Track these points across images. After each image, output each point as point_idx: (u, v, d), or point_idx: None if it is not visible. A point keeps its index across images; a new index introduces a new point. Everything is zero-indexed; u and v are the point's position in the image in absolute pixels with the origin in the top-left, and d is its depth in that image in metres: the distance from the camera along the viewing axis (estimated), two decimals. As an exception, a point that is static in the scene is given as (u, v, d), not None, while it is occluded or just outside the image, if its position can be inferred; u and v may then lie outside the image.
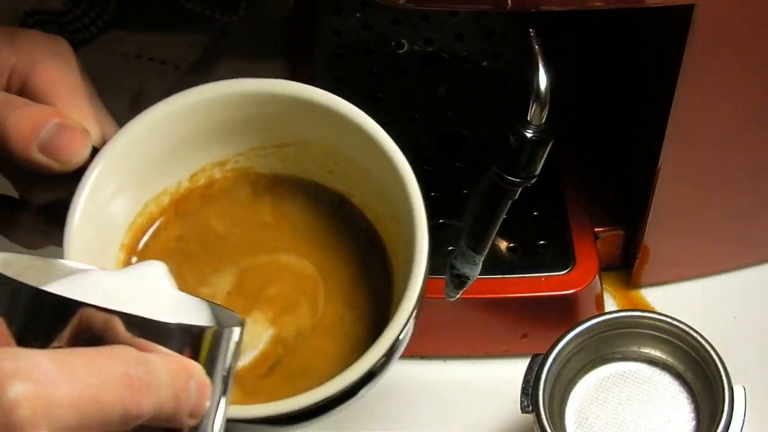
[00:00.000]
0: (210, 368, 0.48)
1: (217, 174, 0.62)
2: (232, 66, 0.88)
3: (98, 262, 0.56)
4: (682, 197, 0.71)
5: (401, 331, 0.55)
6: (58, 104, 0.56)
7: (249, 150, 0.62)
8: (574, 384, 0.68)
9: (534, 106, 0.58)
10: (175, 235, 0.61)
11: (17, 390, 0.42)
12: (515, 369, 0.70)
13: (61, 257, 0.55)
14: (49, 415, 0.43)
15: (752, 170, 0.71)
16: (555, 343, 0.66)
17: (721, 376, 0.64)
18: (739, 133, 0.68)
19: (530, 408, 0.65)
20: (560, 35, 0.80)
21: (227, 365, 0.49)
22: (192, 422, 0.47)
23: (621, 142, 0.78)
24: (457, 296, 0.66)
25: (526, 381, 0.66)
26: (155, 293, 0.50)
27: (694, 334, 0.66)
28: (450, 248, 0.72)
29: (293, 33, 0.84)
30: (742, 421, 0.64)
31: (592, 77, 0.81)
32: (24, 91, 0.57)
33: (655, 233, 0.73)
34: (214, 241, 0.61)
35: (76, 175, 0.56)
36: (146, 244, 0.61)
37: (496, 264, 0.72)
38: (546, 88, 0.58)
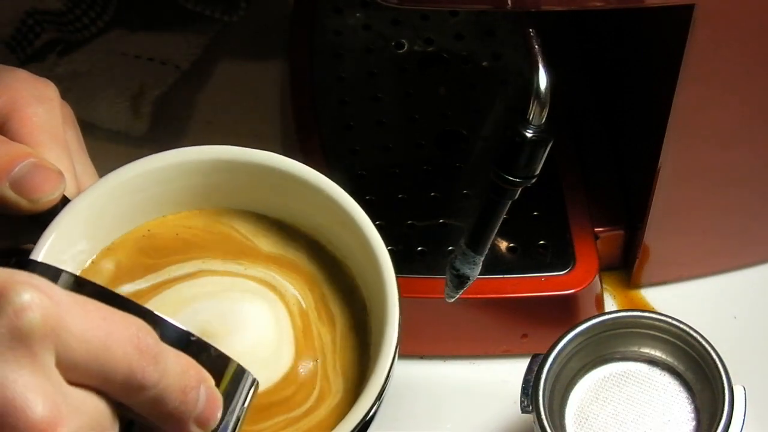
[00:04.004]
0: (225, 402, 0.47)
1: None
2: (232, 66, 0.88)
3: None
4: (683, 197, 0.71)
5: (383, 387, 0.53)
6: (35, 150, 0.53)
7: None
8: (574, 384, 0.68)
9: (534, 106, 0.58)
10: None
11: (31, 296, 0.42)
12: (515, 369, 0.70)
13: None
14: (58, 334, 0.42)
15: (752, 170, 0.71)
16: (555, 343, 0.66)
17: (721, 376, 0.65)
18: (739, 133, 0.68)
19: (530, 408, 0.65)
20: (560, 35, 0.80)
21: (240, 409, 0.47)
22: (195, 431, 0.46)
23: (621, 141, 0.78)
24: (457, 296, 0.66)
25: (526, 381, 0.66)
26: None
27: (694, 334, 0.66)
28: (450, 248, 0.72)
29: (293, 33, 0.84)
30: (742, 421, 0.64)
31: (592, 77, 0.81)
32: (1, 132, 0.54)
33: (655, 233, 0.73)
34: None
35: (42, 222, 0.53)
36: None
37: (496, 264, 0.72)
38: (546, 88, 0.58)
